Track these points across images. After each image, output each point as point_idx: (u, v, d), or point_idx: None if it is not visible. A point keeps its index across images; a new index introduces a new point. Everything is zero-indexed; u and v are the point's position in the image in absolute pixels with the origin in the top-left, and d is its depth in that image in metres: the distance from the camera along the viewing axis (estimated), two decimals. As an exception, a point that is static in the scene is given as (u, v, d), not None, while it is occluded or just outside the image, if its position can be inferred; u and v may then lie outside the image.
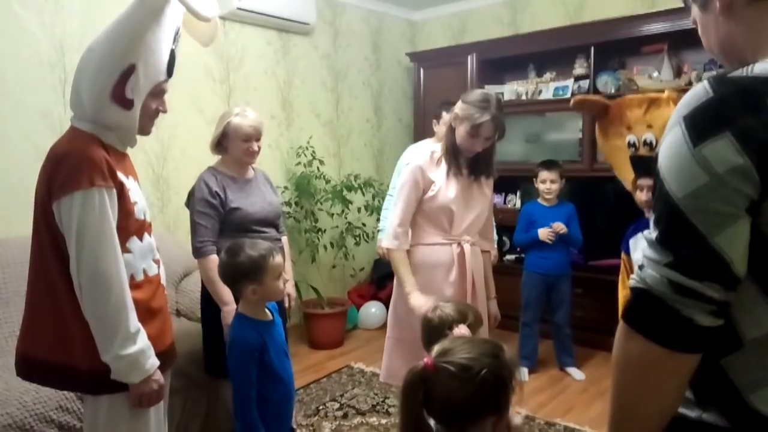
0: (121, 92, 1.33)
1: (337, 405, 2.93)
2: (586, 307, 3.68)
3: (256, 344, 1.66)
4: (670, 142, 0.75)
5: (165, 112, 1.50)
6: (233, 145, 2.22)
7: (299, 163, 3.89)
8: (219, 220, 2.18)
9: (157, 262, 1.52)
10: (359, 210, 3.98)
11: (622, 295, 2.09)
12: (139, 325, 1.35)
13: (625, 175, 2.02)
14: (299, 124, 4.04)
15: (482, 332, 1.66)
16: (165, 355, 1.49)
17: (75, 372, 1.36)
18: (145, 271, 1.44)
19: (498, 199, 4.37)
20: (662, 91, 1.90)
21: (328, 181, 3.94)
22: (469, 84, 4.31)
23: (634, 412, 0.80)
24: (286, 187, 3.84)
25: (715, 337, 0.73)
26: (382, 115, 4.74)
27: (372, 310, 4.20)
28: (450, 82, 4.40)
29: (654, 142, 1.85)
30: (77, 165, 1.29)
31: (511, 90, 4.31)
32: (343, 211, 3.87)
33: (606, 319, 3.71)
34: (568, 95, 4.01)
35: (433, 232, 2.09)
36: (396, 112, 4.83)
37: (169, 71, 1.43)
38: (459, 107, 2.04)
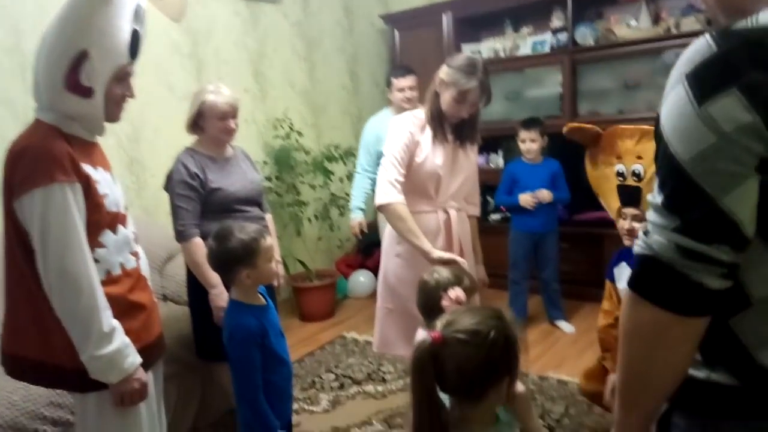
0: (74, 80, 1.26)
1: (332, 376, 2.95)
2: (572, 261, 3.72)
3: (257, 330, 1.63)
4: (673, 102, 0.71)
5: (132, 97, 1.42)
6: (210, 124, 2.16)
7: (277, 136, 3.81)
8: (200, 202, 2.13)
9: (135, 254, 1.46)
10: (341, 180, 3.93)
11: (603, 324, 2.11)
12: (115, 323, 1.31)
13: (610, 202, 2.04)
14: (274, 96, 3.94)
15: (474, 298, 1.65)
16: (152, 348, 1.46)
17: (61, 370, 1.33)
18: (122, 265, 1.39)
19: (480, 159, 4.34)
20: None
21: (307, 153, 3.88)
22: (446, 44, 4.22)
23: (646, 380, 0.80)
24: (265, 162, 3.77)
25: (723, 298, 0.72)
26: (358, 81, 4.64)
27: (361, 278, 4.20)
28: (426, 43, 4.30)
29: (642, 174, 1.87)
30: (36, 161, 1.23)
31: (488, 47, 4.23)
32: (325, 182, 3.82)
33: (592, 272, 3.77)
34: (547, 49, 3.96)
35: (419, 199, 2.04)
36: (373, 77, 4.73)
37: (133, 53, 1.35)
38: (444, 72, 1.99)
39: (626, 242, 1.97)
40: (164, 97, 3.27)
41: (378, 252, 3.77)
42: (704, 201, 0.68)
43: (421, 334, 1.70)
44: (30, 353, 1.33)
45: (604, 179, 2.02)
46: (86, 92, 1.28)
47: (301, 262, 3.79)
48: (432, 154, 2.02)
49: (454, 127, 2.06)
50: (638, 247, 0.76)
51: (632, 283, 0.76)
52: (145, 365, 1.40)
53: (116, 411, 1.36)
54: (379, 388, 2.78)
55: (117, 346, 1.30)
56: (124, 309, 1.35)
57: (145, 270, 1.51)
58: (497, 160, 4.25)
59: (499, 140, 4.16)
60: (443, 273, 1.61)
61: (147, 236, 2.16)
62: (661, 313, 0.73)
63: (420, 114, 2.08)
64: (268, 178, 3.68)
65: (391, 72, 3.36)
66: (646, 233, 0.75)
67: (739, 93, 0.65)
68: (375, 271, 4.28)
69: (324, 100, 4.34)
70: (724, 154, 0.67)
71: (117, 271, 1.37)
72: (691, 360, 0.78)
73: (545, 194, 3.20)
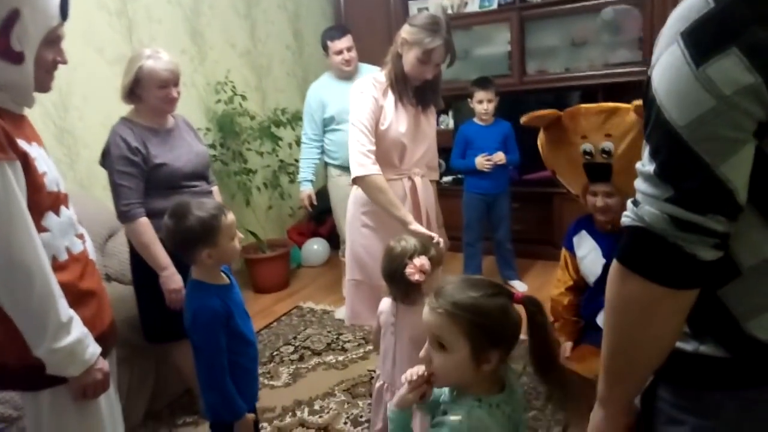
0: (5, 44, 1.10)
1: (291, 348, 2.90)
2: (523, 220, 3.77)
3: (222, 311, 1.54)
4: (668, 64, 0.66)
5: (65, 62, 1.27)
6: (149, 93, 1.98)
7: (219, 101, 3.60)
8: (143, 179, 1.98)
9: (80, 237, 1.34)
10: (290, 146, 3.79)
11: (555, 293, 2.13)
12: (72, 311, 1.19)
13: (573, 181, 2.03)
14: (214, 57, 3.71)
15: (438, 270, 1.62)
16: (105, 337, 1.36)
17: (5, 370, 1.21)
18: (68, 249, 1.27)
19: (431, 120, 4.29)
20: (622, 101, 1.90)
21: (253, 118, 3.70)
22: (392, 1, 4.08)
23: (633, 353, 0.78)
24: (208, 129, 3.57)
25: (714, 269, 0.69)
26: (302, 41, 4.44)
27: (314, 246, 4.13)
28: (372, 1, 4.15)
29: (612, 150, 1.87)
30: None
31: (435, 4, 4.11)
32: (273, 148, 3.67)
33: (542, 230, 3.85)
34: (495, 6, 3.90)
35: (383, 167, 1.96)
36: (317, 36, 4.45)
37: (63, 13, 1.20)
38: (406, 31, 1.90)
39: (601, 217, 1.98)
40: (93, 60, 3.01)
41: (330, 219, 3.71)
42: (700, 169, 0.65)
43: (386, 303, 1.68)
44: None
45: (566, 159, 2.01)
46: (17, 58, 1.13)
47: (252, 233, 3.67)
48: (395, 121, 1.95)
49: (415, 90, 1.98)
50: (627, 218, 0.72)
51: (621, 256, 0.73)
52: (102, 354, 1.30)
53: (75, 406, 1.26)
54: (340, 358, 2.76)
55: (76, 337, 1.19)
56: (75, 297, 1.24)
57: (91, 253, 1.39)
58: (447, 121, 4.21)
59: (448, 100, 4.10)
60: (410, 241, 1.58)
61: (84, 213, 1.99)
62: (651, 287, 0.70)
63: (381, 77, 1.99)
64: (212, 146, 3.49)
65: (325, 35, 3.20)
66: (635, 203, 0.72)
67: (739, 52, 0.61)
68: (329, 238, 4.24)
69: (267, 61, 4.13)
70: (723, 119, 0.63)
71: (63, 257, 1.25)
72: (679, 332, 0.76)
73: (501, 157, 3.19)
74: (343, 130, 3.08)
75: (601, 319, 2.04)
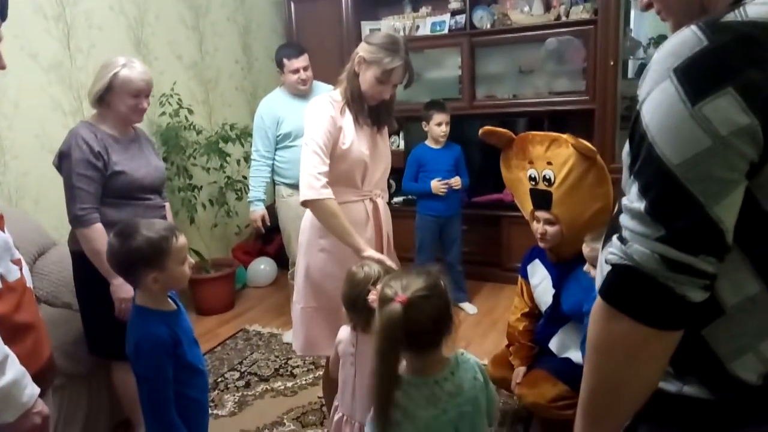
0: None
1: (236, 374, 2.77)
2: (472, 242, 3.81)
3: (169, 339, 1.43)
4: (661, 100, 0.65)
5: (3, 67, 1.15)
6: (119, 101, 1.96)
7: (164, 113, 3.45)
8: (101, 185, 1.95)
9: (17, 263, 1.20)
10: (238, 162, 3.67)
11: (512, 319, 2.17)
12: (6, 349, 1.06)
13: (525, 205, 2.10)
14: (159, 68, 3.56)
15: None
16: (44, 374, 1.22)
17: None
18: (2, 278, 1.13)
19: (381, 141, 4.29)
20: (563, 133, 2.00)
21: (199, 132, 3.57)
22: (345, 20, 4.08)
23: (615, 395, 0.75)
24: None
25: (700, 309, 0.69)
26: (252, 55, 4.35)
27: (261, 266, 4.00)
28: (324, 18, 4.13)
29: (552, 178, 1.93)
30: None
31: (387, 26, 4.14)
32: (221, 165, 3.54)
33: (491, 252, 3.90)
34: (446, 31, 3.96)
35: (344, 189, 1.90)
36: (267, 51, 4.45)
37: (2, 13, 1.09)
38: (364, 50, 1.85)
39: (540, 244, 2.01)
40: (26, 66, 2.81)
41: (278, 238, 3.61)
42: (694, 209, 0.64)
43: (345, 332, 1.62)
44: None
45: (518, 182, 2.05)
46: None
47: (196, 252, 3.51)
48: (357, 140, 1.89)
49: (370, 110, 1.95)
50: (614, 256, 0.70)
51: (607, 295, 0.71)
52: (40, 394, 1.16)
53: None
54: (289, 384, 2.65)
55: (12, 377, 1.05)
56: (10, 332, 1.11)
57: (29, 280, 1.25)
58: (398, 142, 4.22)
59: (399, 122, 4.10)
60: (373, 266, 1.54)
61: (13, 230, 1.84)
62: (638, 327, 0.69)
63: (337, 96, 1.93)
64: (155, 161, 3.33)
65: (281, 52, 3.14)
66: (623, 240, 0.70)
67: (735, 93, 0.61)
68: (276, 257, 4.12)
69: (215, 75, 4.01)
70: (718, 160, 0.63)
71: None
72: (662, 373, 0.75)
73: (457, 181, 3.24)
74: (296, 147, 3.01)
75: (554, 345, 2.06)
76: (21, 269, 1.22)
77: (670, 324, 0.69)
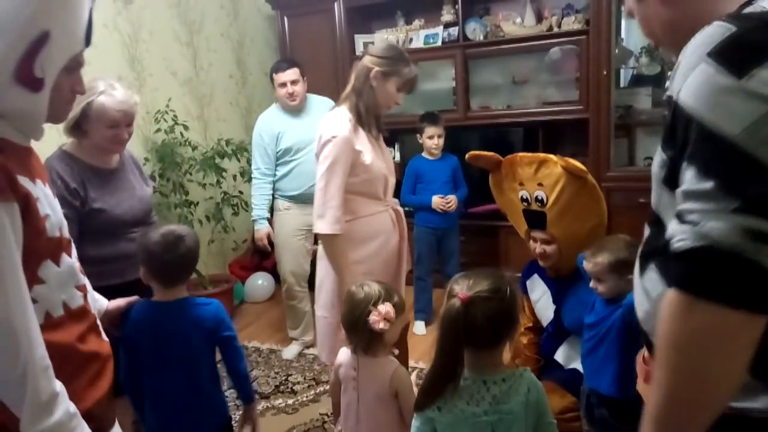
0: (28, 69, 0.93)
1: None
2: (470, 253, 3.80)
3: None
4: (701, 81, 0.67)
5: (83, 92, 1.12)
6: (95, 131, 1.78)
7: (159, 130, 3.44)
8: (77, 223, 1.78)
9: (81, 288, 1.13)
10: (234, 177, 3.67)
11: (517, 333, 2.17)
12: (58, 385, 0.96)
13: (519, 225, 2.11)
14: (153, 85, 3.56)
15: (402, 317, 1.57)
16: (102, 409, 1.13)
17: None
18: (65, 304, 1.07)
19: (377, 153, 4.29)
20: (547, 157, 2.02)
21: (195, 148, 3.56)
22: (338, 34, 4.10)
23: (699, 398, 0.69)
24: (147, 159, 3.40)
25: None
26: (246, 70, 4.36)
27: (259, 281, 3.98)
28: (317, 32, 4.15)
29: (545, 199, 1.94)
30: None
31: (381, 39, 4.16)
32: (218, 180, 3.53)
33: (489, 263, 3.88)
34: (439, 43, 3.99)
35: (370, 201, 1.95)
36: (262, 66, 4.47)
37: (88, 39, 1.05)
38: (377, 63, 1.88)
39: (541, 263, 2.02)
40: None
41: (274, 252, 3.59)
42: (764, 173, 0.63)
43: (345, 354, 1.60)
44: None
45: (510, 203, 2.06)
46: (37, 85, 0.96)
47: (195, 271, 3.49)
48: (374, 154, 1.94)
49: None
50: (683, 241, 0.66)
51: (685, 284, 0.66)
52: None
53: None
54: (290, 401, 2.63)
55: (60, 418, 0.95)
56: (73, 363, 1.05)
57: (94, 308, 1.20)
58: (394, 154, 4.23)
59: (395, 134, 4.13)
60: (374, 286, 1.53)
61: None
62: (726, 313, 0.64)
63: (345, 113, 1.93)
64: (152, 177, 3.32)
65: (273, 65, 3.15)
66: (691, 223, 0.66)
67: None
68: (273, 272, 4.10)
69: (209, 90, 4.01)
70: None
71: (59, 312, 1.05)
72: (743, 375, 0.68)
73: (455, 203, 3.22)
74: (296, 161, 3.01)
75: (560, 356, 2.06)
76: (85, 296, 1.15)
77: (762, 303, 0.64)
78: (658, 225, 0.84)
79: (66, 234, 1.11)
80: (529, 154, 2.03)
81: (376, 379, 1.50)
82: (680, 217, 0.68)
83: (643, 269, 0.87)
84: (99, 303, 1.42)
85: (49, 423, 0.93)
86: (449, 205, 3.21)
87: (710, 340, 0.66)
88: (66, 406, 0.97)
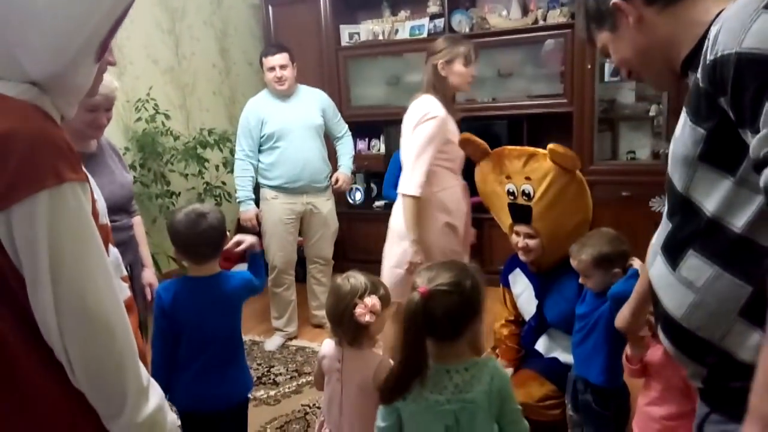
0: (107, 44, 0.89)
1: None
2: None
3: None
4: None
5: (114, 63, 1.05)
6: (75, 115, 1.75)
7: (140, 119, 3.39)
8: None
9: (126, 280, 1.10)
10: (217, 168, 3.63)
11: (497, 325, 2.19)
12: (148, 373, 0.92)
13: (502, 218, 2.11)
14: (134, 73, 3.50)
15: (389, 309, 1.56)
16: None
17: None
18: None
19: (362, 144, 4.27)
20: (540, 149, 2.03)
21: (176, 138, 3.51)
22: (323, 23, 4.07)
23: None
24: (127, 149, 3.35)
25: None
26: (229, 59, 4.31)
27: (242, 272, 3.95)
28: (302, 22, 4.11)
29: (532, 193, 1.94)
30: (34, 152, 0.80)
31: (367, 30, 4.14)
32: (200, 170, 3.49)
33: (472, 255, 3.89)
34: (425, 35, 3.97)
35: (453, 176, 2.27)
36: (245, 56, 4.42)
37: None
38: (437, 57, 2.19)
39: (522, 258, 2.02)
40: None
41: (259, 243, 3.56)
42: None
43: (329, 346, 1.59)
44: None
45: (495, 196, 2.05)
46: (99, 59, 0.90)
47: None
48: (458, 135, 2.20)
49: None
50: None
51: None
52: None
53: None
54: (272, 393, 2.62)
55: (157, 403, 0.90)
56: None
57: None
58: (379, 146, 4.21)
59: (380, 125, 4.11)
60: (360, 278, 1.50)
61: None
62: None
63: (434, 99, 2.20)
64: (132, 167, 3.27)
65: (263, 50, 3.13)
66: None
67: None
68: (256, 263, 4.06)
69: (192, 79, 3.96)
70: None
71: None
72: None
73: None
74: (279, 148, 2.99)
75: (541, 346, 2.07)
76: (128, 288, 1.11)
77: None
78: (689, 211, 0.84)
79: (108, 222, 1.07)
80: (518, 148, 2.03)
81: (361, 371, 1.50)
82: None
83: (675, 261, 0.86)
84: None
85: (152, 407, 0.89)
86: None
87: None
88: (158, 390, 0.93)
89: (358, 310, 1.43)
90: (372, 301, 1.44)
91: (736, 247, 0.75)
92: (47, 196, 0.79)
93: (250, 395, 1.88)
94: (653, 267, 0.93)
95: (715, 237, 0.80)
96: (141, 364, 0.90)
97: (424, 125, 2.12)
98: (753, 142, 0.71)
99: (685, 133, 0.84)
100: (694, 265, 0.83)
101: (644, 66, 0.95)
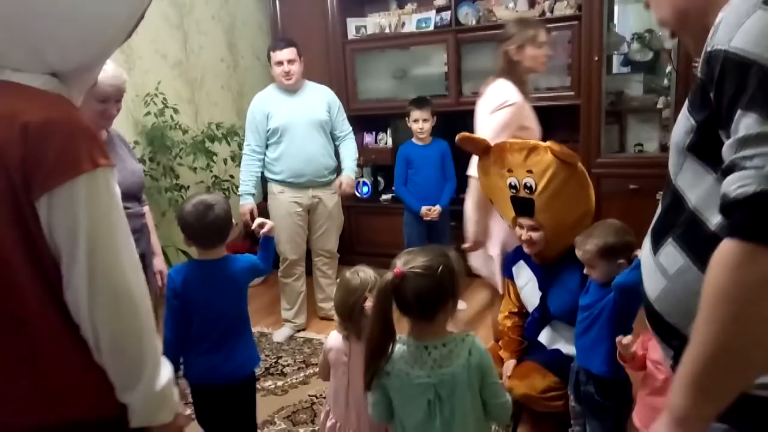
0: (131, 33, 0.98)
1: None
2: (459, 237, 3.81)
3: None
4: (762, 26, 0.69)
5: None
6: (85, 105, 1.70)
7: (149, 113, 3.43)
8: None
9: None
10: (225, 161, 3.66)
11: (501, 317, 2.20)
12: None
13: (506, 211, 2.11)
14: (143, 68, 3.53)
15: None
16: None
17: (77, 428, 0.92)
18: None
19: (369, 138, 4.29)
20: (537, 145, 2.03)
21: (185, 132, 3.55)
22: (330, 16, 4.07)
23: (747, 355, 0.67)
24: (136, 142, 3.39)
25: None
26: (237, 53, 4.33)
27: (250, 265, 3.99)
28: (309, 15, 4.12)
29: (534, 186, 1.94)
30: (72, 139, 0.86)
31: (374, 23, 4.14)
32: (208, 164, 3.53)
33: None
34: (431, 27, 3.97)
35: None
36: (253, 50, 4.44)
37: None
38: (509, 44, 2.24)
39: (527, 250, 2.03)
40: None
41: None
42: None
43: (336, 339, 1.61)
44: (33, 420, 0.89)
45: (498, 190, 2.06)
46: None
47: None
48: (533, 120, 2.28)
49: None
50: (745, 187, 0.65)
51: (745, 232, 0.65)
52: None
53: None
54: (279, 383, 2.66)
55: (168, 376, 0.98)
56: None
57: None
58: (386, 139, 4.23)
59: (387, 119, 4.12)
60: (369, 272, 1.53)
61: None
62: None
63: (509, 84, 2.25)
64: (141, 161, 3.31)
65: (271, 44, 3.14)
66: (753, 168, 0.65)
67: None
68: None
69: (200, 74, 3.99)
70: None
71: None
72: None
73: (436, 213, 3.23)
74: (286, 143, 3.01)
75: (544, 337, 2.08)
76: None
77: None
78: (676, 199, 0.84)
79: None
80: (519, 141, 2.03)
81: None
82: (736, 166, 0.67)
83: (657, 246, 0.87)
84: None
85: (164, 378, 0.96)
86: (431, 215, 3.23)
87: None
88: (168, 364, 1.00)
89: (368, 304, 1.45)
90: None
91: (709, 244, 0.72)
92: (85, 180, 0.86)
93: (256, 369, 1.97)
94: (643, 249, 0.94)
95: (693, 230, 0.80)
96: (158, 339, 0.97)
97: (501, 112, 2.17)
98: (725, 145, 0.71)
99: (681, 120, 0.84)
100: (670, 253, 0.84)
101: (681, 28, 0.90)
